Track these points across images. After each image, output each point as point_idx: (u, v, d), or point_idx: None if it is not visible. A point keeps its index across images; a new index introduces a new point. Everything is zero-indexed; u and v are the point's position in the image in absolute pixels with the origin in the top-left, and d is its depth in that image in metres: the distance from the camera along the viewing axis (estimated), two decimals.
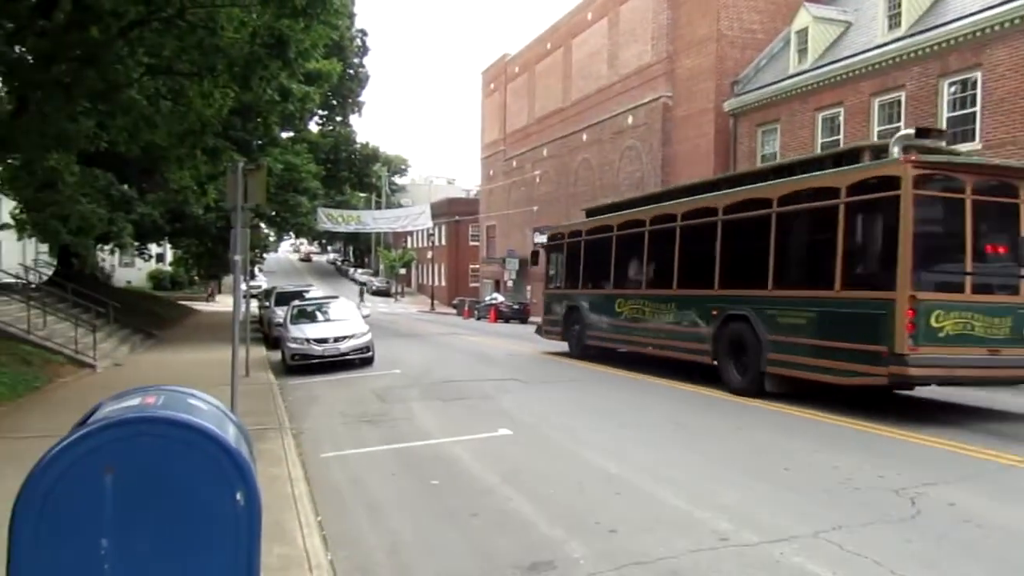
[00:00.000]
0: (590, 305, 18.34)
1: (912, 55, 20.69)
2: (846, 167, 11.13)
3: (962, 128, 19.49)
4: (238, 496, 2.62)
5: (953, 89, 19.81)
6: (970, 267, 9.93)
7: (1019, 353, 10.01)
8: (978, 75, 18.98)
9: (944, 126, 19.79)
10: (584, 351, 18.34)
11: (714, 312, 13.17)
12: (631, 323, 16.27)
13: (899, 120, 21.27)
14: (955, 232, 10.00)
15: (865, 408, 10.71)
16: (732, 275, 13.10)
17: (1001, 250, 10.40)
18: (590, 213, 20.29)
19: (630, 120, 34.55)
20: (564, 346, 19.55)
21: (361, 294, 59.76)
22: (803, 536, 5.37)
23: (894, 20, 21.83)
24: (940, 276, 10.07)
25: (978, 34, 18.81)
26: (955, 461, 7.65)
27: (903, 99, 21.12)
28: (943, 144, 11.53)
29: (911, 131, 11.10)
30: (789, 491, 6.66)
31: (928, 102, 20.26)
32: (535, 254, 24.03)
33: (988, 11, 18.53)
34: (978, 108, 18.96)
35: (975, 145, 18.94)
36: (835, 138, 23.60)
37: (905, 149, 10.51)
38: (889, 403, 11.42)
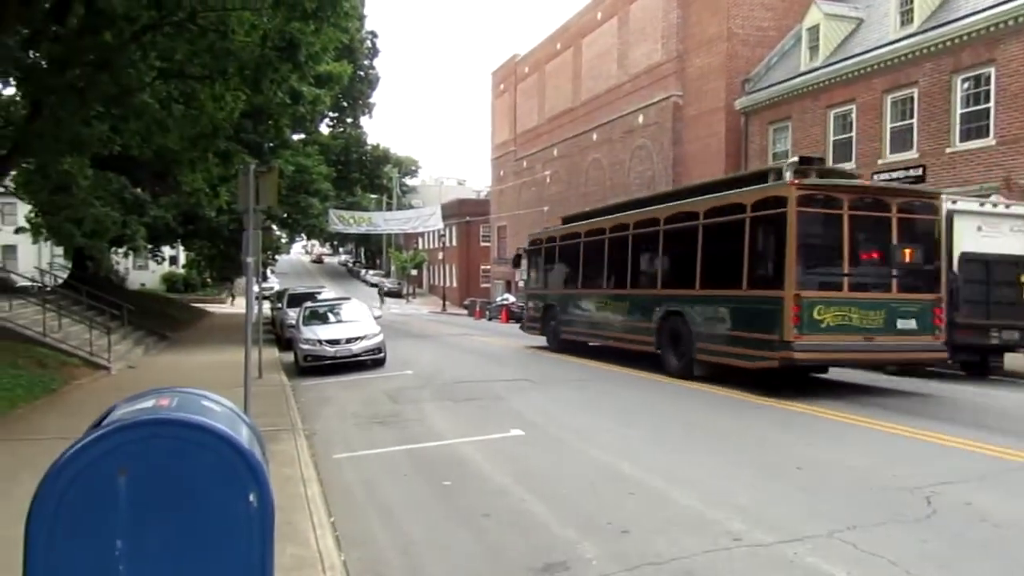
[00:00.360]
0: (564, 304, 20.21)
1: (924, 51, 20.55)
2: (753, 187, 12.99)
3: (976, 124, 19.34)
4: (251, 497, 2.63)
5: (966, 85, 19.67)
6: (847, 269, 11.98)
7: (891, 340, 12.03)
8: (991, 71, 18.84)
9: (957, 123, 19.69)
10: (560, 345, 20.07)
11: (657, 309, 15.20)
12: (596, 319, 18.29)
13: (912, 117, 21.14)
14: (835, 241, 11.95)
15: (862, 404, 10.67)
16: (671, 277, 15.29)
17: (876, 255, 12.37)
18: (566, 220, 22.31)
19: (640, 119, 34.48)
20: (572, 342, 20.15)
21: (380, 296, 59.65)
22: (817, 536, 5.35)
23: (906, 16, 21.69)
24: (821, 277, 12.09)
25: (991, 29, 18.67)
26: (970, 459, 7.58)
27: (916, 96, 20.99)
28: (841, 167, 13.97)
29: (796, 159, 13.35)
30: (802, 491, 6.63)
31: (941, 98, 20.12)
32: (517, 257, 25.38)
33: (1001, 6, 18.39)
34: (992, 104, 18.82)
35: (989, 141, 18.81)
36: (847, 135, 23.49)
37: (797, 173, 12.39)
38: (894, 397, 11.36)
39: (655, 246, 15.84)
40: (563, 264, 20.83)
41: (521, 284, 36.24)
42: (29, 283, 25.29)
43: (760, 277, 12.50)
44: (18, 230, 29.63)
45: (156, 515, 2.58)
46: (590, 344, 19.05)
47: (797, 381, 12.97)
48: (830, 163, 21.06)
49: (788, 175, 12.36)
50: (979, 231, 14.16)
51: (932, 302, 12.38)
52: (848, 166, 23.19)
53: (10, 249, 47.70)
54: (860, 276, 12.20)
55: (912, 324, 12.15)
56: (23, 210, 33.42)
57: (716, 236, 13.73)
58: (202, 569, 2.61)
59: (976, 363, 14.94)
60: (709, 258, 13.90)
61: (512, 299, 41.87)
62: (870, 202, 12.40)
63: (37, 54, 14.55)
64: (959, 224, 14.04)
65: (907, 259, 12.30)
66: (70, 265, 33.02)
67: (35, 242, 33.30)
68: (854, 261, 12.10)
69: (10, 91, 17.35)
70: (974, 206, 14.58)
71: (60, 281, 28.87)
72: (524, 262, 23.91)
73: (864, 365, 13.62)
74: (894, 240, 12.19)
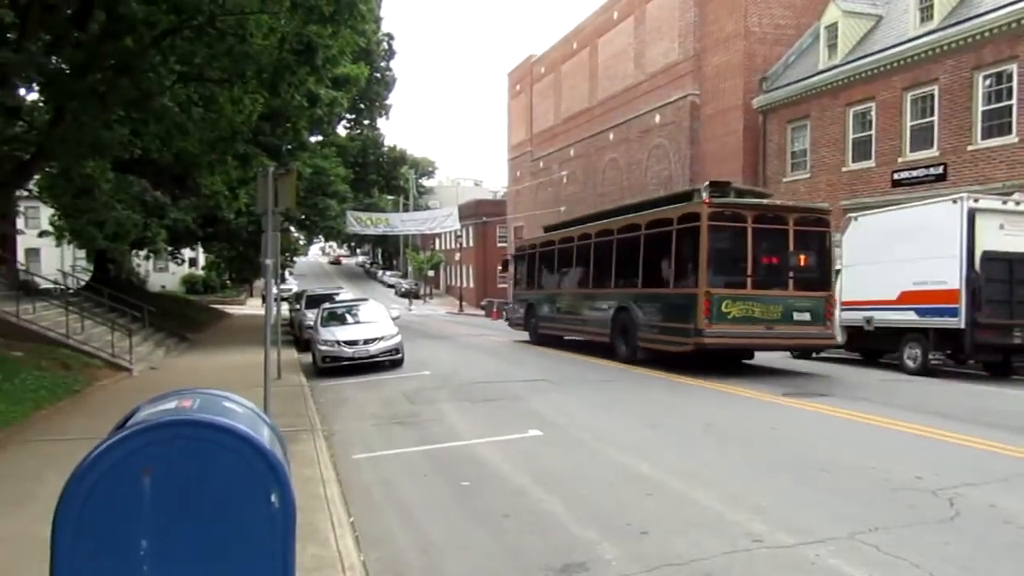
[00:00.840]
0: (540, 303, 23.12)
1: (945, 48, 20.33)
2: (678, 204, 15.75)
3: (998, 122, 19.10)
4: (273, 498, 2.65)
5: (988, 82, 19.43)
6: (751, 272, 14.43)
7: (788, 329, 14.55)
8: (1014, 67, 18.59)
9: (978, 120, 19.46)
10: (539, 338, 22.88)
11: (609, 305, 17.86)
12: (566, 316, 21.10)
13: (932, 114, 20.92)
14: (740, 248, 14.39)
15: (881, 404, 10.56)
16: (620, 278, 17.87)
17: (775, 260, 14.80)
18: (546, 230, 25.01)
19: (657, 119, 34.37)
20: (548, 335, 22.82)
21: (408, 297, 59.38)
22: (839, 538, 5.31)
23: (926, 13, 21.47)
24: (728, 278, 14.51)
25: (1013, 25, 18.43)
26: (993, 461, 7.49)
27: (936, 93, 20.77)
28: (753, 188, 18.01)
29: (708, 182, 15.82)
30: (820, 490, 6.58)
31: (962, 95, 19.89)
32: (505, 263, 28.43)
33: (1023, 2, 18.14)
34: (1014, 101, 18.58)
35: (1011, 138, 18.57)
36: (867, 133, 23.28)
37: (711, 194, 14.86)
38: (914, 398, 11.25)
39: (610, 253, 18.42)
40: (541, 269, 23.76)
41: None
42: (52, 285, 25.60)
43: (681, 278, 15.16)
44: (42, 233, 29.99)
45: (179, 516, 2.60)
46: (564, 337, 21.67)
47: (727, 365, 15.69)
48: (849, 162, 23.00)
49: (704, 195, 14.84)
50: (1001, 229, 13.99)
51: (824, 298, 15.00)
52: (867, 164, 23.02)
53: (33, 252, 48.32)
54: (761, 277, 14.67)
55: (806, 316, 14.71)
56: (46, 213, 33.85)
57: (653, 244, 16.32)
58: (225, 569, 2.63)
59: (998, 363, 14.77)
60: (648, 262, 16.60)
61: None
62: (771, 217, 14.88)
63: (59, 59, 14.73)
64: (981, 223, 13.88)
65: (802, 263, 14.82)
66: (92, 267, 33.39)
67: (58, 245, 33.72)
68: (756, 265, 14.60)
69: (33, 96, 17.58)
70: (996, 204, 14.41)
71: (82, 283, 29.22)
72: (512, 267, 27.00)
73: (765, 350, 16.28)
74: (791, 248, 14.69)
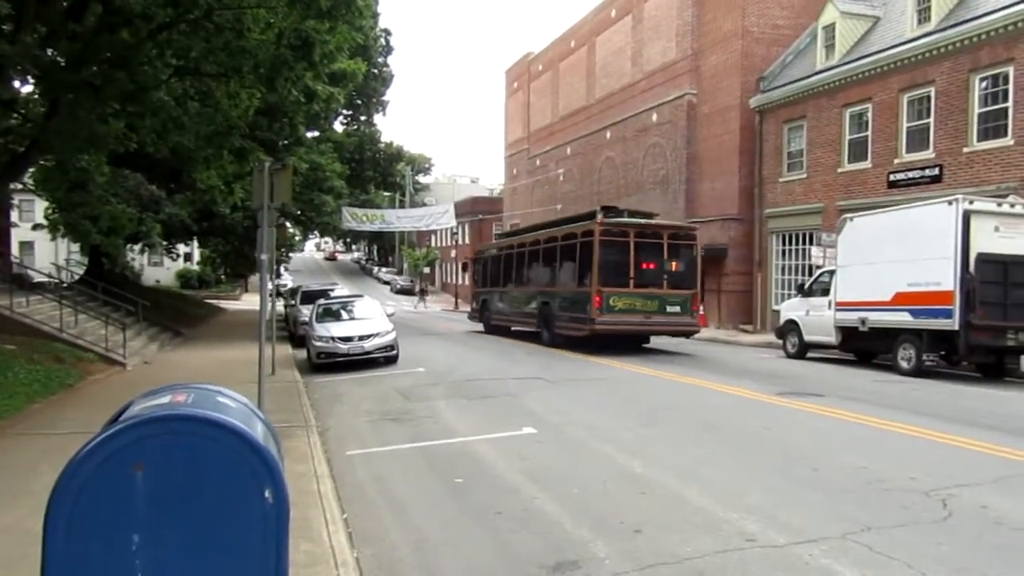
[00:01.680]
0: (491, 298, 27.19)
1: (942, 50, 20.35)
2: (582, 223, 20.22)
3: (994, 124, 19.14)
4: (267, 494, 2.64)
5: (984, 84, 19.45)
6: (632, 275, 18.61)
7: (662, 318, 18.93)
8: (1010, 70, 18.61)
9: (974, 122, 19.51)
10: (491, 328, 26.72)
11: (537, 300, 22.36)
12: (510, 309, 25.30)
13: (929, 116, 20.96)
14: (625, 257, 18.62)
15: (875, 404, 10.59)
16: (544, 279, 22.51)
17: (653, 266, 19.05)
18: (497, 238, 31.25)
19: (654, 117, 34.37)
20: (498, 326, 26.52)
21: (421, 294, 58.80)
22: (832, 537, 5.32)
23: (923, 15, 21.49)
24: (615, 279, 18.56)
25: (1010, 28, 18.46)
26: (986, 462, 7.51)
27: (932, 95, 20.80)
28: (640, 210, 22.76)
29: (601, 207, 20.27)
30: (817, 492, 6.60)
31: (959, 97, 19.92)
32: (465, 265, 34.30)
33: (1021, 4, 18.17)
34: (1010, 104, 18.60)
35: (1007, 141, 18.61)
36: (863, 134, 23.31)
37: (605, 216, 19.31)
38: (907, 399, 11.27)
39: (538, 259, 22.93)
40: (492, 271, 27.82)
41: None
42: (46, 279, 25.50)
43: (582, 279, 19.44)
44: (36, 227, 29.89)
45: (172, 510, 2.59)
46: (511, 328, 25.27)
47: (629, 348, 19.52)
48: (845, 163, 23.63)
49: (599, 216, 19.21)
50: (996, 231, 14.02)
51: (690, 295, 19.36)
52: (863, 165, 23.08)
53: (27, 245, 48.09)
54: (641, 279, 18.85)
55: (677, 309, 19.05)
56: (40, 207, 33.72)
57: (565, 253, 20.82)
58: (218, 564, 2.62)
59: (992, 365, 14.82)
60: (561, 267, 21.16)
61: None
62: (649, 233, 19.30)
63: (55, 52, 14.66)
64: (976, 224, 13.91)
65: (673, 269, 19.26)
66: (86, 261, 33.29)
67: (52, 239, 33.59)
68: (637, 269, 18.80)
69: (29, 89, 17.49)
70: (991, 206, 14.44)
71: (76, 277, 29.11)
72: (471, 269, 31.86)
73: (644, 334, 20.22)
74: (665, 257, 19.18)
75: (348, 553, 5.20)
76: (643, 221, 20.00)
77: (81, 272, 30.95)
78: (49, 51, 14.52)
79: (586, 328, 18.53)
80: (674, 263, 19.27)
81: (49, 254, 44.69)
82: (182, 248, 47.83)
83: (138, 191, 26.16)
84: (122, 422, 2.65)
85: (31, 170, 22.14)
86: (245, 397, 3.29)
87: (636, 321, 18.71)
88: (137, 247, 36.58)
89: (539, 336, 21.69)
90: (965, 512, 5.86)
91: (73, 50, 13.72)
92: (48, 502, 2.54)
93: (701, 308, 20.50)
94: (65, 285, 23.88)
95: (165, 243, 36.49)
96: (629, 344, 19.79)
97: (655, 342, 21.07)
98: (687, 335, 20.40)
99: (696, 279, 19.83)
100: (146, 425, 2.60)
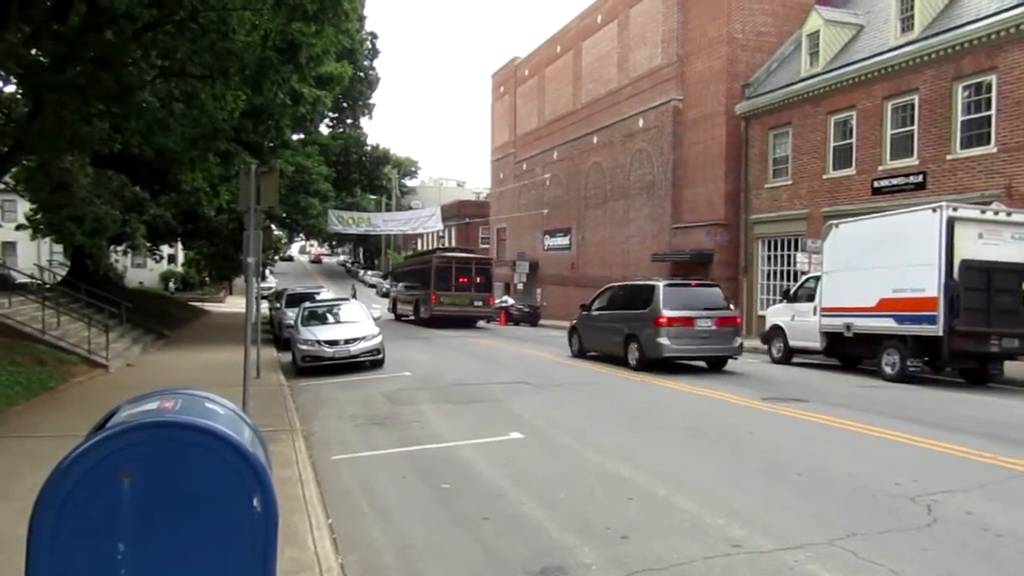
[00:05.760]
0: (401, 298, 38.75)
1: (925, 58, 20.58)
2: (429, 255, 37.03)
3: (977, 132, 19.36)
4: (255, 502, 2.61)
5: (967, 92, 19.69)
6: (454, 283, 32.14)
7: (472, 309, 32.83)
8: (993, 78, 18.86)
9: (958, 130, 19.73)
10: (397, 317, 38.04)
11: (415, 297, 34.83)
12: (404, 304, 37.38)
13: (913, 123, 21.18)
14: (449, 274, 32.21)
15: (859, 409, 10.65)
16: (418, 285, 34.78)
17: (466, 280, 32.50)
18: (406, 258, 51.23)
19: (640, 123, 34.52)
20: (400, 316, 38.24)
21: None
22: (817, 543, 5.34)
23: (907, 23, 21.73)
24: (444, 285, 31.95)
25: (993, 37, 18.70)
26: (971, 468, 7.57)
27: (916, 102, 21.02)
28: (467, 247, 48.88)
29: (438, 247, 44.39)
30: (806, 498, 6.62)
31: (942, 105, 20.15)
32: (387, 275, 53.60)
33: (1003, 13, 18.42)
34: (993, 112, 18.84)
35: (990, 148, 18.84)
36: (848, 141, 23.51)
37: (439, 252, 37.39)
38: (892, 404, 11.35)
39: (414, 273, 36.73)
40: (402, 279, 40.29)
41: (520, 287, 43.34)
42: (28, 280, 25.22)
43: (426, 287, 32.64)
44: (18, 227, 29.57)
45: (160, 518, 2.56)
46: (402, 318, 37.41)
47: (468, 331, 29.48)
48: (830, 170, 23.82)
49: (436, 254, 34.95)
50: (980, 238, 14.16)
51: (487, 295, 33.38)
52: (848, 172, 23.26)
53: (10, 246, 47.63)
54: (459, 286, 32.14)
55: (480, 303, 32.79)
56: (23, 207, 33.36)
57: (421, 271, 34.63)
58: (205, 573, 2.59)
59: (976, 371, 14.95)
60: (421, 279, 33.98)
61: (511, 301, 41.83)
62: (463, 259, 33.69)
63: (39, 52, 14.51)
64: (960, 231, 14.04)
65: (478, 281, 32.82)
66: (69, 262, 32.97)
67: (34, 239, 33.27)
68: (457, 281, 32.10)
69: (11, 88, 17.31)
70: (975, 213, 14.58)
71: (59, 278, 28.81)
72: (389, 279, 48.87)
73: (463, 317, 32.51)
74: (472, 273, 32.61)
75: (333, 559, 5.17)
76: (460, 255, 35.03)
77: (64, 273, 30.63)
78: (33, 51, 14.38)
79: (429, 313, 32.25)
80: (479, 277, 33.02)
81: (32, 255, 44.23)
82: (166, 249, 47.47)
83: (122, 192, 25.92)
84: (109, 428, 2.62)
85: (14, 170, 21.90)
86: (232, 403, 3.25)
87: (457, 310, 32.13)
88: (121, 248, 36.26)
89: (418, 318, 34.24)
90: (950, 518, 5.91)
91: (57, 50, 13.58)
92: (33, 508, 2.50)
93: (495, 302, 36.71)
94: (48, 286, 23.62)
95: (149, 245, 36.20)
96: (460, 324, 31.99)
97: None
98: (488, 319, 35.42)
99: (491, 286, 34.45)
100: (134, 432, 2.57)
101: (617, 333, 17.53)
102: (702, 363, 16.97)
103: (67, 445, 2.60)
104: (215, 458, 2.58)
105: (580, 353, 19.54)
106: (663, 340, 15.94)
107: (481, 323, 34.53)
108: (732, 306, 17.71)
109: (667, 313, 16.02)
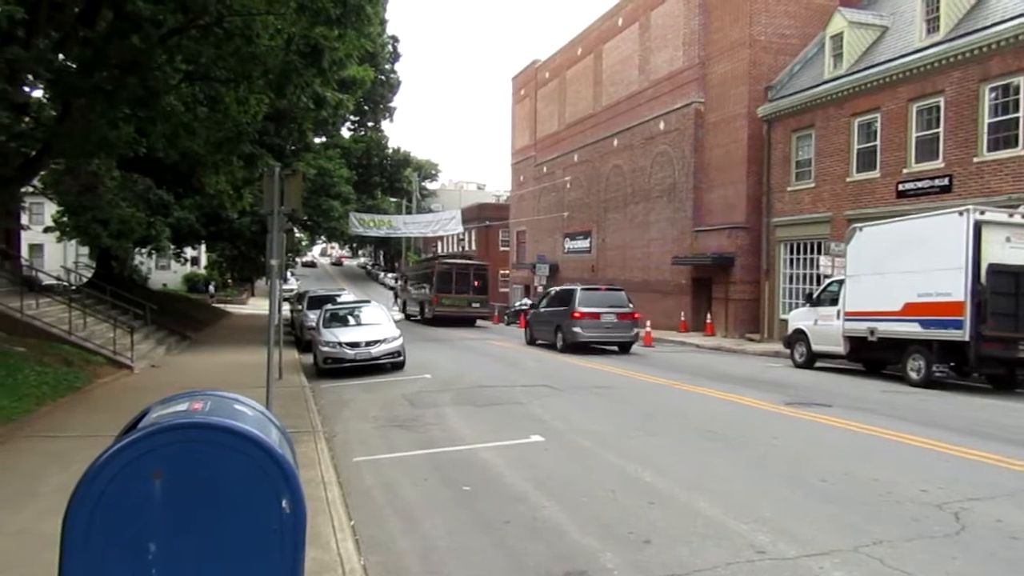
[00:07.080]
0: (410, 299, 42.10)
1: (951, 60, 20.31)
2: (432, 259, 43.34)
3: (1004, 134, 19.08)
4: (284, 503, 2.63)
5: (994, 94, 19.40)
6: (454, 286, 35.39)
7: (469, 309, 35.94)
8: (1020, 80, 18.57)
9: (984, 132, 19.46)
10: (407, 317, 39.48)
11: (422, 296, 38.04)
12: (412, 302, 40.70)
13: (938, 126, 20.91)
14: (449, 278, 35.46)
15: (882, 415, 10.52)
16: (424, 286, 38.02)
17: (463, 283, 35.66)
18: (412, 262, 58.24)
19: (662, 126, 34.38)
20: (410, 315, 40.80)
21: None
22: (843, 550, 5.28)
23: (932, 24, 21.47)
24: (445, 287, 35.28)
25: (1020, 38, 18.41)
26: (999, 475, 7.46)
27: (942, 104, 20.75)
28: (466, 253, 59.16)
29: (435, 253, 56.35)
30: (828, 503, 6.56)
31: (968, 107, 19.87)
32: (397, 278, 61.03)
33: None
34: (1021, 114, 18.55)
35: (1018, 151, 18.56)
36: (872, 144, 23.27)
37: (440, 258, 42.85)
38: (916, 410, 11.21)
39: (420, 275, 40.11)
40: (410, 281, 43.44)
41: (540, 289, 42.97)
42: (55, 281, 25.59)
43: (431, 289, 35.67)
44: (46, 229, 30.02)
45: (190, 518, 2.59)
46: (408, 313, 40.86)
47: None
48: (853, 172, 23.58)
49: (437, 260, 38.33)
50: (1008, 242, 13.95)
51: (485, 298, 36.63)
52: (872, 175, 23.02)
53: (37, 248, 48.32)
54: (458, 288, 35.29)
55: (478, 305, 36.14)
56: (50, 209, 33.85)
57: (426, 275, 37.80)
58: (234, 572, 2.61)
59: (1003, 376, 14.73)
60: (427, 282, 37.01)
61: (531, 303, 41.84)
62: (463, 266, 36.94)
63: (67, 57, 14.73)
64: (987, 235, 13.85)
65: (476, 284, 35.83)
66: (94, 264, 33.40)
67: (60, 241, 33.75)
68: (457, 284, 35.31)
69: (40, 93, 17.57)
70: (1002, 217, 14.37)
71: (85, 280, 29.21)
72: (399, 280, 54.05)
73: (462, 317, 35.43)
74: (471, 277, 35.80)
75: (355, 561, 5.19)
76: (459, 261, 38.59)
77: (90, 275, 31.04)
78: (61, 56, 14.59)
79: (431, 312, 35.48)
80: (476, 281, 35.86)
81: (59, 257, 44.90)
82: (189, 252, 47.95)
83: (147, 195, 26.24)
84: (140, 429, 2.65)
85: (42, 173, 22.23)
86: (261, 404, 3.28)
87: (456, 311, 35.15)
88: (146, 251, 36.70)
89: (423, 315, 37.57)
90: (979, 526, 5.82)
91: (85, 55, 13.77)
92: (67, 508, 2.54)
93: (496, 309, 42.67)
94: (74, 288, 23.97)
95: (173, 247, 36.61)
96: (460, 323, 35.20)
97: (657, 351, 21.20)
98: (485, 318, 38.32)
99: (487, 289, 37.32)
100: (165, 433, 2.60)
101: (550, 325, 23.45)
102: (614, 347, 22.33)
103: (93, 445, 2.65)
104: (244, 459, 2.61)
105: (531, 341, 25.35)
106: (577, 329, 21.79)
107: (480, 322, 38.19)
108: (631, 305, 22.90)
109: (580, 309, 21.91)
